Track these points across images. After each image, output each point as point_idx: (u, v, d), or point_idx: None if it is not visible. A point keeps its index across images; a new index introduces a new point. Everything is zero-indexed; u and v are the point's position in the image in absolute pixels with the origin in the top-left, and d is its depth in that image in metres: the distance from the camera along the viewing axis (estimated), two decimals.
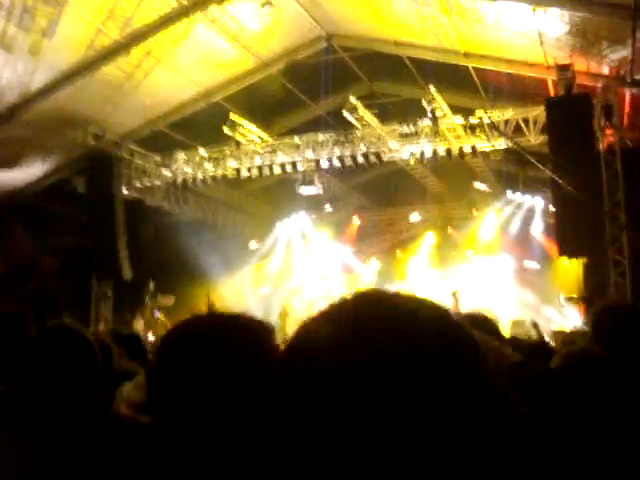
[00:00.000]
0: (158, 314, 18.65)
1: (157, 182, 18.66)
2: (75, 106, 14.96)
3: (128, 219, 17.46)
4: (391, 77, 17.79)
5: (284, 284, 22.70)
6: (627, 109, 13.79)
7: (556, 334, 15.61)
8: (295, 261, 23.31)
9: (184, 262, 18.60)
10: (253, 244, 23.32)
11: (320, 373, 0.78)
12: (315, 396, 0.77)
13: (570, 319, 17.42)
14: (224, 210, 21.84)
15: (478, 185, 20.11)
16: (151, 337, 17.27)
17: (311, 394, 0.77)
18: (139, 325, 18.06)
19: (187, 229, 19.04)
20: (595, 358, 2.38)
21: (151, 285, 18.51)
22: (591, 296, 14.51)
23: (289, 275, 23.12)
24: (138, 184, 18.40)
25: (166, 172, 18.39)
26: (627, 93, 13.49)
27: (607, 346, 2.99)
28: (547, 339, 14.73)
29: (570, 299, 17.25)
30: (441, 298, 19.49)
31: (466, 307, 19.42)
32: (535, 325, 9.12)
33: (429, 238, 22.54)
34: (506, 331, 17.52)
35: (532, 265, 20.41)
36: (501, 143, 15.74)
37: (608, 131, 13.80)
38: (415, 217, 22.58)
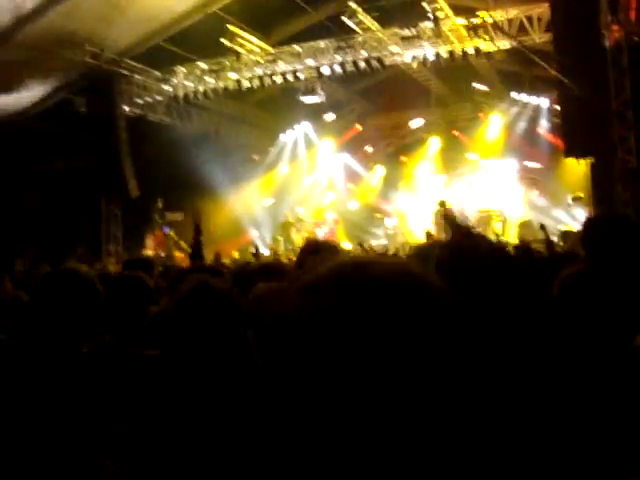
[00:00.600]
0: (168, 230, 18.83)
1: (158, 98, 18.52)
2: (71, 25, 14.65)
3: (131, 136, 17.35)
4: None
5: (290, 194, 22.83)
6: (634, 4, 13.50)
7: (565, 234, 15.87)
8: (300, 171, 23.42)
9: (190, 177, 18.56)
10: (257, 155, 23.27)
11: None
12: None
13: (578, 219, 17.61)
14: (227, 123, 21.67)
15: (482, 87, 19.91)
16: (162, 254, 17.62)
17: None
18: (150, 243, 18.35)
19: (191, 144, 19.01)
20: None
21: (159, 202, 18.54)
22: (598, 196, 14.67)
23: (295, 185, 23.21)
24: (139, 101, 18.25)
25: (167, 87, 18.31)
26: None
27: (593, 257, 3.07)
28: (555, 240, 15.07)
29: (577, 199, 17.38)
30: (447, 202, 19.63)
31: (470, 209, 19.67)
32: (542, 227, 9.17)
33: (434, 142, 22.40)
34: (513, 233, 17.89)
35: (539, 166, 20.33)
36: (505, 43, 15.53)
37: (614, 27, 13.56)
38: (419, 121, 22.41)
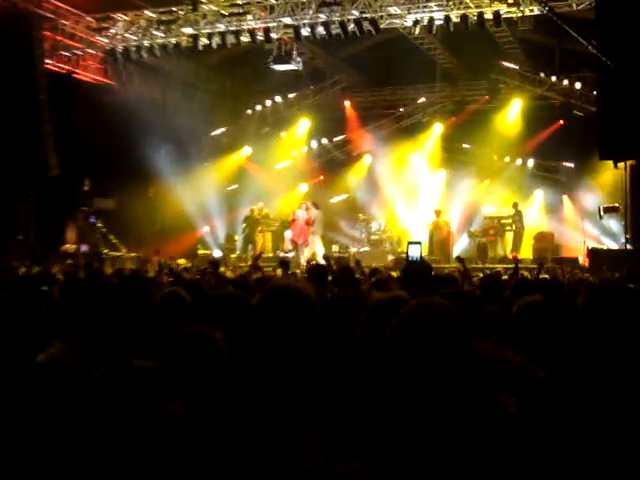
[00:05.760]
0: (95, 220, 18.36)
1: (91, 51, 18.24)
2: None
3: (54, 98, 16.87)
4: None
5: (253, 183, 22.52)
6: None
7: (594, 252, 15.63)
8: (267, 155, 23.01)
9: (128, 155, 18.20)
10: (215, 132, 23.10)
11: None
12: None
13: (610, 233, 17.59)
14: (178, 88, 21.46)
15: (501, 62, 19.80)
16: (84, 248, 17.06)
17: None
18: (71, 236, 17.95)
19: (131, 112, 18.44)
20: None
21: (86, 184, 18.13)
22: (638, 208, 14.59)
23: (260, 172, 22.90)
24: (66, 53, 17.93)
25: (103, 38, 17.97)
26: None
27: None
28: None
29: (610, 209, 17.21)
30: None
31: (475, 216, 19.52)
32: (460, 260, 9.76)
33: (436, 129, 22.21)
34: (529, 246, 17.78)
35: (565, 166, 20.39)
36: (533, 8, 15.32)
37: None
38: (420, 100, 22.34)
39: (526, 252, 18.54)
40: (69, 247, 17.36)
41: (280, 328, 2.93)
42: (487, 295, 5.78)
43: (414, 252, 11.39)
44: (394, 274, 9.65)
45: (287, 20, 16.92)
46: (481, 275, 11.06)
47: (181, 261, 16.79)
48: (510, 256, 17.95)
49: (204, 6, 16.90)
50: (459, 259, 9.95)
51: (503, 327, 3.99)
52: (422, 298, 2.86)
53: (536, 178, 20.78)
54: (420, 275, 6.25)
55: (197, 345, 3.12)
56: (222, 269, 11.63)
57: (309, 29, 16.79)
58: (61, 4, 17.25)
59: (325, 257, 14.26)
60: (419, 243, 12.35)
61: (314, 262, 14.13)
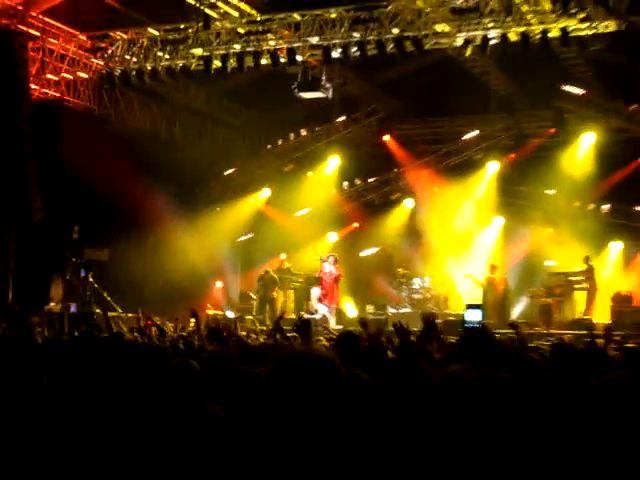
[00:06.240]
0: (85, 274, 18.29)
1: (84, 74, 18.34)
2: None
3: (40, 129, 17.01)
4: None
5: (272, 231, 22.55)
6: None
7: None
8: (290, 197, 22.99)
9: (125, 197, 18.32)
10: (228, 170, 23.16)
11: None
12: None
13: None
14: (185, 119, 21.65)
15: (570, 88, 19.66)
16: (74, 308, 16.93)
17: None
18: (57, 293, 17.86)
19: (130, 146, 18.77)
20: None
21: (75, 232, 18.05)
22: None
23: (281, 218, 22.97)
24: (55, 77, 18.01)
25: (98, 60, 18.10)
26: None
27: None
28: None
29: None
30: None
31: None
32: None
33: (491, 167, 22.00)
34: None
35: None
36: (608, 25, 15.24)
37: None
38: (472, 133, 22.26)
39: (599, 315, 18.06)
40: (54, 306, 17.19)
41: (295, 403, 2.88)
42: (558, 367, 5.67)
43: (473, 317, 11.00)
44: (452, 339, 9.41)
45: (315, 40, 16.96)
46: (543, 342, 10.76)
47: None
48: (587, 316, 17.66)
49: (217, 23, 17.01)
50: (512, 325, 9.56)
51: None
52: (487, 372, 3.00)
53: (612, 226, 20.46)
54: (482, 346, 5.86)
55: (195, 419, 3.43)
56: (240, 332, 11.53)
57: (340, 50, 16.77)
58: (50, 20, 17.32)
59: (362, 321, 14.10)
60: (479, 307, 11.97)
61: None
